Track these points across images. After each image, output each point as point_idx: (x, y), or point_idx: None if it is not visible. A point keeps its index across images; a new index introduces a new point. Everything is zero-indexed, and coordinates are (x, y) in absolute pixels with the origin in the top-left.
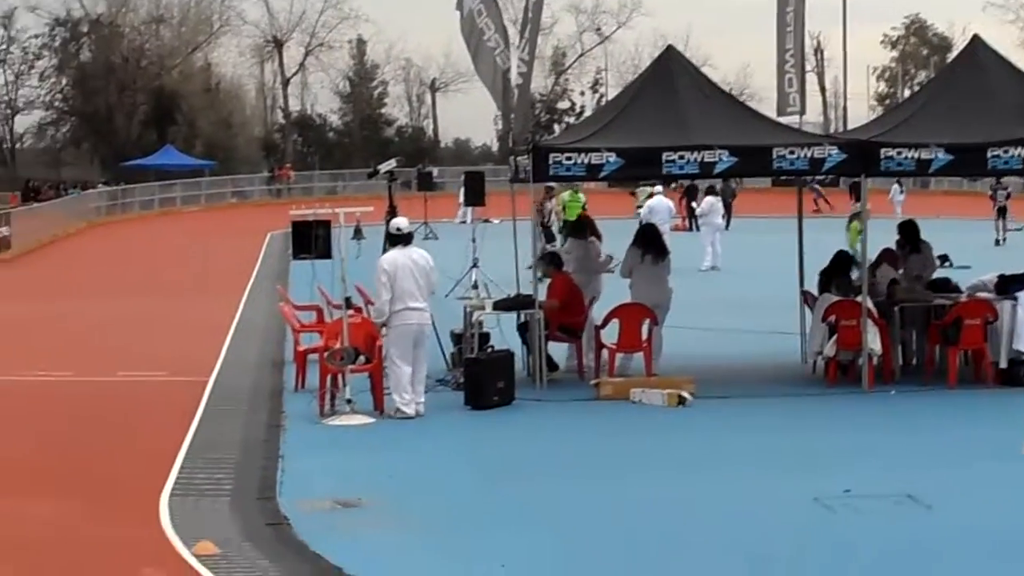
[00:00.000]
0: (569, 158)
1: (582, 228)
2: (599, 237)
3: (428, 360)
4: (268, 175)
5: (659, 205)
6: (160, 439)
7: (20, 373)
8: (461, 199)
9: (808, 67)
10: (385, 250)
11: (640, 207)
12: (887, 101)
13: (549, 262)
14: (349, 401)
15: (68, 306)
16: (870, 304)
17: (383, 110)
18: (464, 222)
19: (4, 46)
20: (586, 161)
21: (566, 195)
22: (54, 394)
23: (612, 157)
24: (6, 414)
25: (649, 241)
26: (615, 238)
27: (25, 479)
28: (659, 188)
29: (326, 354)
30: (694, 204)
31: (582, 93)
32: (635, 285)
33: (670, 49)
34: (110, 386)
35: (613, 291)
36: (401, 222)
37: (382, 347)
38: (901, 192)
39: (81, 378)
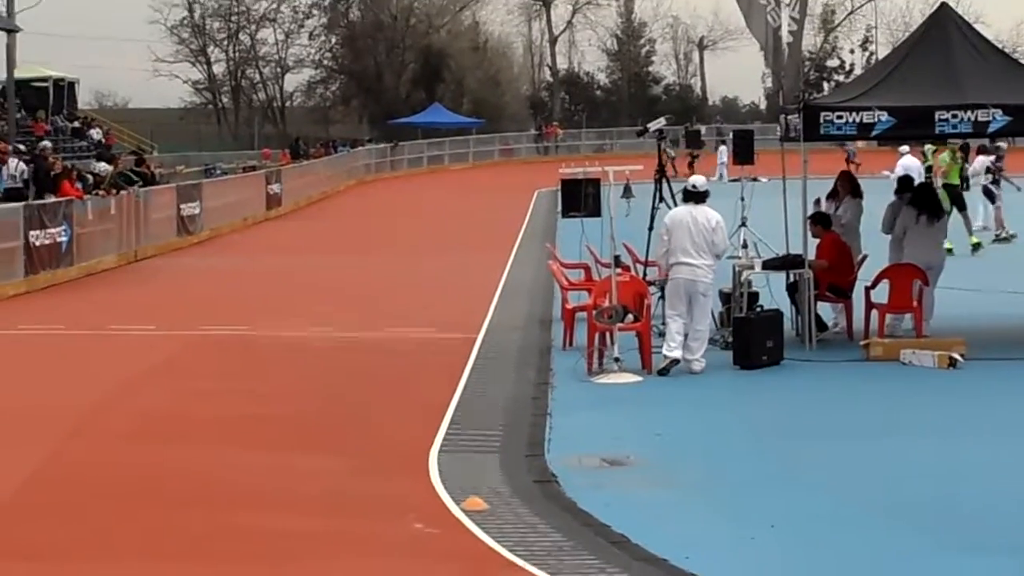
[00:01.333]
0: (840, 116)
1: (856, 185)
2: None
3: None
4: (535, 133)
5: (912, 164)
6: (429, 395)
7: (288, 329)
8: (722, 158)
9: None
10: (654, 206)
11: (929, 165)
12: None
13: (817, 222)
14: (617, 359)
15: (337, 262)
16: None
17: (650, 68)
18: (722, 178)
19: (275, 6)
20: (857, 120)
21: (946, 155)
22: (322, 350)
23: (884, 116)
24: (276, 369)
25: (924, 202)
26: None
27: (295, 434)
28: (906, 148)
29: (595, 312)
30: (967, 164)
31: (851, 51)
32: (908, 246)
33: (943, 7)
34: (379, 342)
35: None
36: (698, 180)
37: (650, 306)
38: None
39: (349, 334)
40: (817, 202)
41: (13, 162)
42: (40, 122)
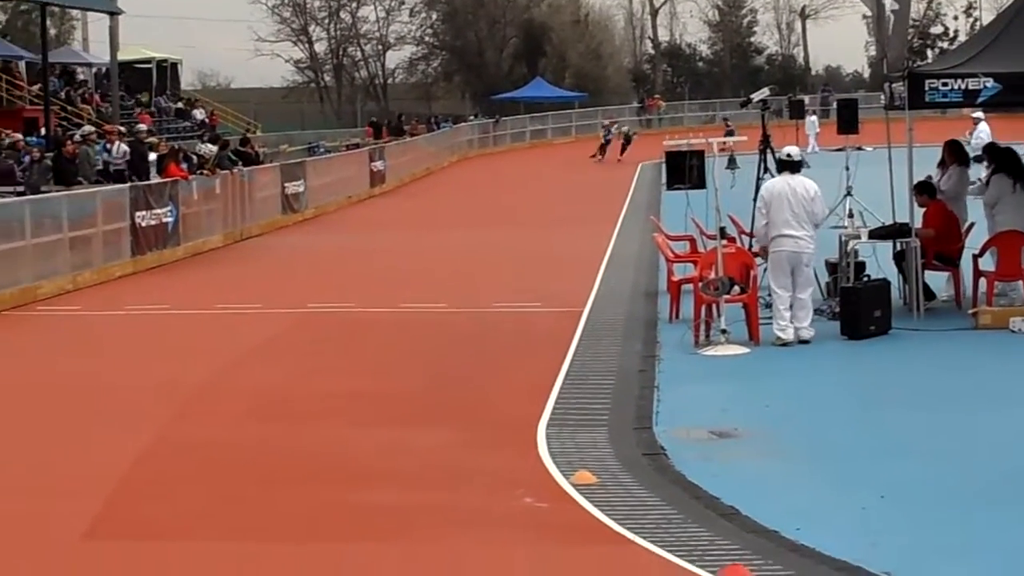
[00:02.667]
0: (945, 83)
1: (963, 153)
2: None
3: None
4: (638, 105)
5: (988, 129)
6: (537, 369)
7: (396, 304)
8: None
9: None
10: (759, 177)
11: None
12: None
13: (922, 191)
14: (724, 331)
15: (441, 238)
16: None
17: (752, 39)
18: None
19: None
20: (963, 87)
21: None
22: (429, 325)
23: (989, 82)
24: (383, 346)
25: (1019, 170)
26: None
27: (404, 410)
28: (980, 114)
29: (701, 284)
30: None
31: (955, 17)
32: (1000, 214)
33: None
34: (485, 317)
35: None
36: (792, 149)
37: (756, 277)
38: None
39: (455, 309)
40: (929, 178)
41: (116, 144)
42: (143, 111)
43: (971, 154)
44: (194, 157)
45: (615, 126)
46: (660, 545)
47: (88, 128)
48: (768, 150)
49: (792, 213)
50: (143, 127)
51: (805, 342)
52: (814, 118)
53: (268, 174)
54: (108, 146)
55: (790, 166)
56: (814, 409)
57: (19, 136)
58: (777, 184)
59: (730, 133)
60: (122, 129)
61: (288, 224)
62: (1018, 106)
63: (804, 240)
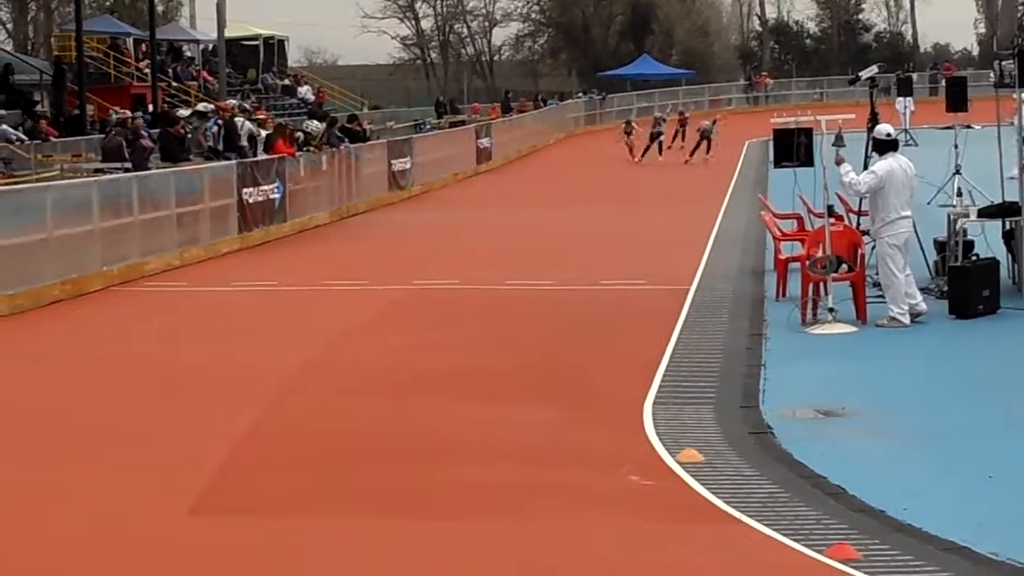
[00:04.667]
0: None
1: None
2: None
3: (912, 270)
4: (745, 83)
5: None
6: (643, 347)
7: (502, 281)
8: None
9: None
10: (867, 155)
11: None
12: None
13: None
14: (831, 310)
15: (547, 215)
16: None
17: (860, 16)
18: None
19: None
20: None
21: None
22: (535, 302)
23: None
24: (489, 322)
25: None
26: None
27: (510, 386)
28: None
29: (808, 262)
30: None
31: None
32: None
33: None
34: (591, 294)
35: None
36: (889, 128)
37: (864, 256)
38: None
39: (562, 286)
40: None
41: (218, 122)
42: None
43: None
44: (300, 135)
45: (663, 120)
46: (766, 524)
47: (204, 105)
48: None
49: (907, 195)
50: (233, 102)
51: (923, 314)
52: (902, 98)
53: (375, 151)
54: (220, 122)
55: (892, 145)
56: (922, 388)
57: (128, 113)
58: (892, 166)
59: (683, 122)
60: (243, 105)
61: (394, 201)
62: None
63: (912, 219)
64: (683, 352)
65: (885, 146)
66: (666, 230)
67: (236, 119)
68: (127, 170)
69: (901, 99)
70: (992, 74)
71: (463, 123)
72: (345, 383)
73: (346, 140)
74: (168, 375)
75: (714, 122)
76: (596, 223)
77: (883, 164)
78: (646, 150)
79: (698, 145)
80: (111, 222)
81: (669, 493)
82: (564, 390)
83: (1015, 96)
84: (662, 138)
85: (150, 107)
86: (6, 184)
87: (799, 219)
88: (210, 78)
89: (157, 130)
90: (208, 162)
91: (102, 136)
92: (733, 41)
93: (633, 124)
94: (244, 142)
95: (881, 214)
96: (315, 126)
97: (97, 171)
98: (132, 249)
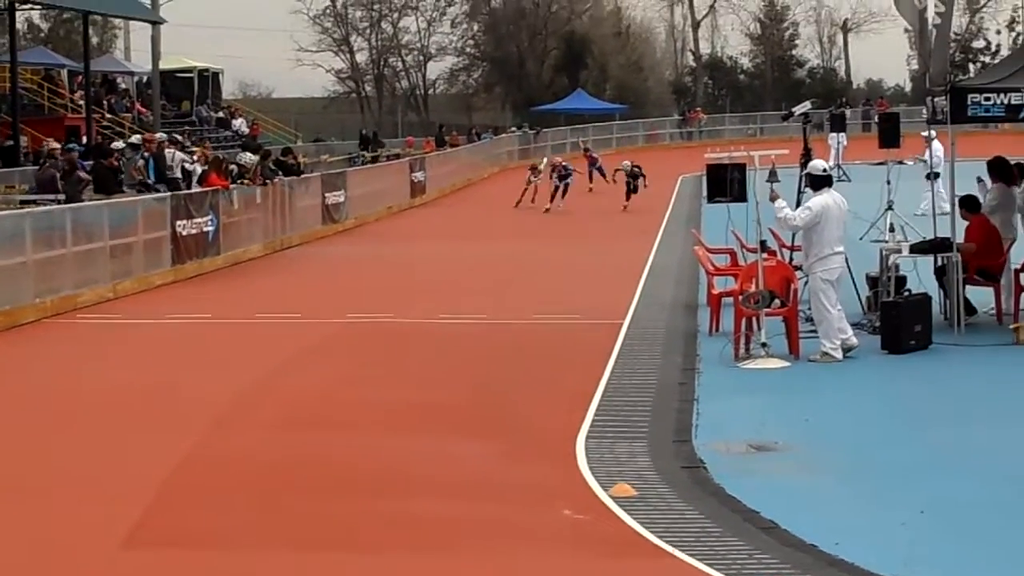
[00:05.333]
0: (988, 98)
1: (1005, 170)
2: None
3: (844, 305)
4: (679, 118)
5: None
6: (576, 381)
7: (433, 316)
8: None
9: None
10: (800, 191)
11: None
12: None
13: (963, 204)
14: (764, 344)
15: (481, 249)
16: None
17: (794, 51)
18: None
19: None
20: (1005, 101)
21: None
22: (468, 336)
23: None
24: (422, 356)
25: None
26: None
27: (442, 421)
28: (933, 132)
29: (741, 297)
30: None
31: (998, 32)
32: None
33: None
34: (524, 329)
35: None
36: (822, 163)
37: (797, 291)
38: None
39: (495, 320)
40: (979, 180)
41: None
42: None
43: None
44: (234, 167)
45: (560, 165)
46: (699, 559)
47: (138, 137)
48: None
49: (840, 231)
50: (162, 135)
51: (854, 348)
52: (835, 133)
53: (309, 184)
54: (146, 155)
55: (828, 181)
56: (854, 424)
57: (57, 145)
58: (827, 201)
59: (592, 161)
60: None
61: (328, 234)
62: None
63: (845, 254)
64: (616, 386)
65: (820, 182)
66: (599, 264)
67: (168, 151)
68: (60, 202)
69: (834, 135)
70: (925, 110)
71: (388, 158)
72: (278, 416)
73: (280, 173)
74: (100, 407)
75: (633, 165)
76: (530, 258)
77: (818, 200)
78: (552, 197)
79: (629, 188)
80: (44, 254)
81: (602, 527)
82: (497, 424)
83: (924, 134)
84: (569, 180)
85: (84, 139)
86: None
87: (732, 254)
88: (144, 110)
89: (91, 162)
90: (140, 195)
91: (36, 168)
92: (667, 76)
93: (539, 168)
94: (177, 174)
95: (815, 249)
96: (248, 158)
97: (24, 203)
98: (65, 281)
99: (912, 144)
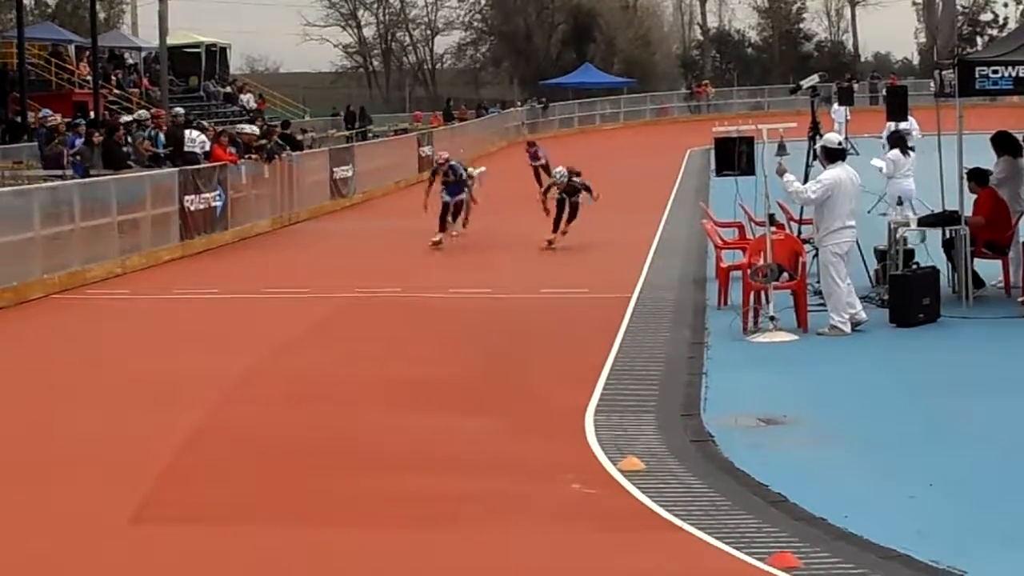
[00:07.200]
0: (996, 71)
1: (1013, 144)
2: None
3: (853, 278)
4: (686, 92)
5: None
6: (584, 356)
7: (442, 290)
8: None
9: None
10: (808, 164)
11: None
12: None
13: (972, 177)
14: (773, 318)
15: (490, 224)
16: None
17: (801, 25)
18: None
19: None
20: (1013, 74)
21: None
22: (477, 311)
23: None
24: (431, 331)
25: None
26: None
27: (451, 396)
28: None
29: (750, 271)
30: None
31: (1005, 4)
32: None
33: None
34: (533, 303)
35: None
36: (837, 137)
37: (805, 264)
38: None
39: (504, 295)
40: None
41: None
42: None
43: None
44: (240, 141)
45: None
46: (707, 532)
47: (143, 112)
48: (817, 137)
49: (852, 204)
50: (180, 111)
51: (864, 323)
52: (841, 107)
53: (317, 159)
54: (153, 132)
55: (841, 155)
56: (863, 397)
57: (58, 119)
58: (840, 175)
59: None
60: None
61: (336, 209)
62: None
63: (855, 230)
64: (625, 360)
65: (834, 155)
66: (607, 238)
67: (188, 133)
68: (68, 177)
69: (840, 108)
70: (932, 84)
71: (375, 135)
72: (288, 391)
73: (287, 148)
74: (110, 383)
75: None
76: (537, 231)
77: (831, 173)
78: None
79: (561, 209)
80: (52, 229)
81: (611, 501)
82: (506, 399)
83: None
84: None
85: (91, 114)
86: None
87: (740, 227)
88: (151, 86)
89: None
90: (150, 169)
91: (33, 143)
92: (675, 50)
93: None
94: (196, 149)
95: (826, 223)
96: (249, 128)
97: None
98: (73, 257)
99: (920, 117)
